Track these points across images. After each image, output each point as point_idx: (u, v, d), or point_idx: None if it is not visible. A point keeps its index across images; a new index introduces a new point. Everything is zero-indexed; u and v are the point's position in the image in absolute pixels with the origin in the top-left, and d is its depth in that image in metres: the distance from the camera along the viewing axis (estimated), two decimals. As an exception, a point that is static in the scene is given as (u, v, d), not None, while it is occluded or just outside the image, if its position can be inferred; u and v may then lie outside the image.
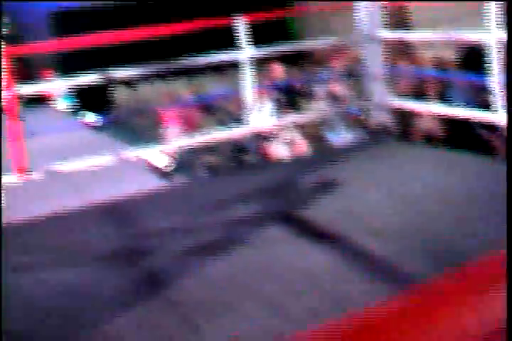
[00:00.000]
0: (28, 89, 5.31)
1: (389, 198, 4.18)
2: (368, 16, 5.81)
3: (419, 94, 8.57)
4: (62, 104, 15.77)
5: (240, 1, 15.72)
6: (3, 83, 4.81)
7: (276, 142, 7.64)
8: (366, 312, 1.50)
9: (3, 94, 4.78)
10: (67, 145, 8.63)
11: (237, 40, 5.41)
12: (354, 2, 5.88)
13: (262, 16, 6.15)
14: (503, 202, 2.79)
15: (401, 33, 11.10)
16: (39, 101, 15.24)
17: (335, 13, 13.72)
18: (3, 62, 4.79)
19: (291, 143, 7.78)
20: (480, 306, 1.35)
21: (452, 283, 1.46)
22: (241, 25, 5.38)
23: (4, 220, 4.56)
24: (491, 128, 7.54)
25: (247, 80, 5.54)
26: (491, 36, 4.67)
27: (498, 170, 4.18)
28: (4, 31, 21.36)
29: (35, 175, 4.93)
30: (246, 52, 5.46)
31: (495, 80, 4.70)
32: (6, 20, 21.24)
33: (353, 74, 8.53)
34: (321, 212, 4.07)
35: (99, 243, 4.07)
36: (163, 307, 3.10)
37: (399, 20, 14.55)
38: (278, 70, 7.85)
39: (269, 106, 7.47)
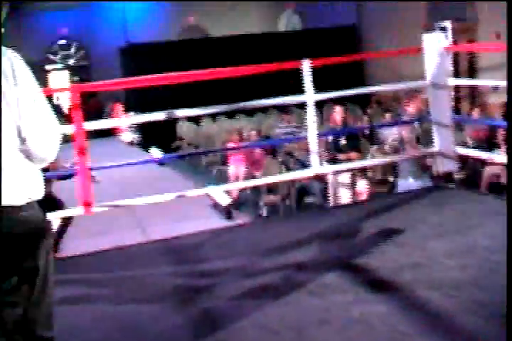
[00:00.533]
0: (96, 125, 5.46)
1: (451, 249, 4.12)
2: (437, 62, 5.79)
3: (486, 143, 8.47)
4: (130, 137, 16.10)
5: (311, 46, 15.96)
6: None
7: (340, 186, 7.61)
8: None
9: (72, 128, 4.89)
10: (133, 179, 8.80)
11: (305, 83, 5.46)
12: (424, 48, 5.87)
13: (332, 61, 6.19)
14: None
15: (469, 80, 11.07)
16: (107, 133, 15.61)
17: (404, 58, 13.77)
18: (75, 97, 4.90)
19: (354, 188, 7.74)
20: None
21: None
22: (309, 70, 5.43)
23: (66, 253, 4.66)
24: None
25: (312, 124, 5.57)
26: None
27: None
28: (76, 63, 22.12)
29: (100, 209, 5.02)
30: (312, 96, 5.50)
31: None
32: (77, 52, 22.00)
33: (421, 121, 8.48)
34: (382, 260, 4.02)
35: (158, 279, 4.12)
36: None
37: (468, 66, 14.49)
38: (344, 114, 7.84)
39: (333, 149, 7.47)
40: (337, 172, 7.27)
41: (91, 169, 5.12)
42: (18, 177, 2.30)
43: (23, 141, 2.32)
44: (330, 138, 7.68)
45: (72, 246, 4.98)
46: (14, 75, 2.30)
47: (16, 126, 2.30)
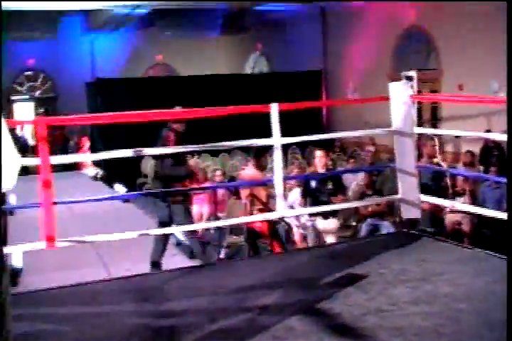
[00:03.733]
0: (62, 159, 5.43)
1: (415, 296, 4.15)
2: (403, 111, 5.88)
3: (448, 191, 8.60)
4: (94, 172, 16.03)
5: (277, 89, 16.12)
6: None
7: (304, 230, 7.64)
8: None
9: (37, 161, 4.85)
10: (97, 215, 8.74)
11: (271, 127, 5.48)
12: (391, 96, 5.97)
13: (300, 106, 6.27)
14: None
15: (433, 130, 11.29)
16: (71, 166, 15.54)
17: (369, 105, 14.01)
18: (41, 130, 4.85)
19: (318, 232, 7.76)
20: None
21: None
22: (276, 114, 5.45)
23: (27, 287, 4.57)
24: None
25: (278, 167, 5.59)
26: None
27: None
28: (42, 94, 22.04)
29: (63, 244, 4.95)
30: (279, 139, 5.52)
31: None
32: (44, 84, 21.94)
33: (384, 167, 8.60)
34: (346, 305, 4.03)
35: (121, 318, 4.06)
36: None
37: (430, 115, 14.79)
38: (326, 159, 7.93)
39: (297, 193, 7.50)
40: (302, 216, 7.29)
41: (55, 203, 5.06)
42: None
43: None
44: (313, 183, 7.74)
45: (33, 281, 4.90)
46: None
47: None
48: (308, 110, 12.21)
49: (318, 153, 7.64)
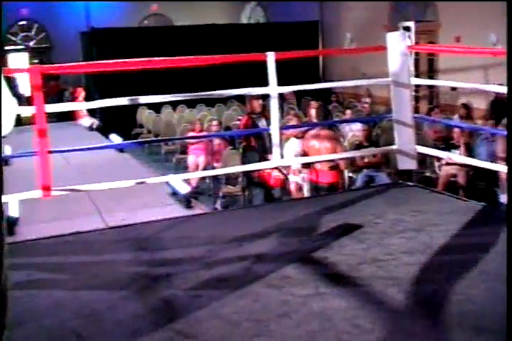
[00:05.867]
0: (57, 107, 5.37)
1: (410, 246, 4.17)
2: (400, 61, 5.81)
3: (444, 143, 8.58)
4: (89, 122, 15.97)
5: (274, 39, 15.95)
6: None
7: (300, 179, 7.62)
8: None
9: (32, 110, 4.81)
10: (92, 165, 8.71)
11: (269, 75, 5.43)
12: (388, 47, 5.89)
13: (297, 55, 6.18)
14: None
15: (430, 80, 11.19)
16: (67, 117, 15.47)
17: (365, 57, 13.89)
18: (36, 78, 4.79)
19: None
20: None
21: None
22: (273, 62, 5.39)
23: (23, 237, 4.57)
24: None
25: (274, 116, 5.56)
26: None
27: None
28: (36, 44, 21.77)
29: (59, 193, 4.94)
30: (275, 88, 5.47)
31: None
32: (38, 34, 21.65)
33: (381, 118, 8.52)
34: (341, 255, 4.05)
35: (117, 267, 4.08)
36: (174, 339, 3.08)
37: (427, 67, 14.68)
38: (318, 109, 7.87)
39: (294, 143, 7.45)
40: (298, 166, 7.27)
41: (51, 152, 5.02)
42: None
43: None
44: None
45: (29, 230, 4.89)
46: None
47: None
48: (305, 62, 12.10)
49: (313, 104, 7.59)
